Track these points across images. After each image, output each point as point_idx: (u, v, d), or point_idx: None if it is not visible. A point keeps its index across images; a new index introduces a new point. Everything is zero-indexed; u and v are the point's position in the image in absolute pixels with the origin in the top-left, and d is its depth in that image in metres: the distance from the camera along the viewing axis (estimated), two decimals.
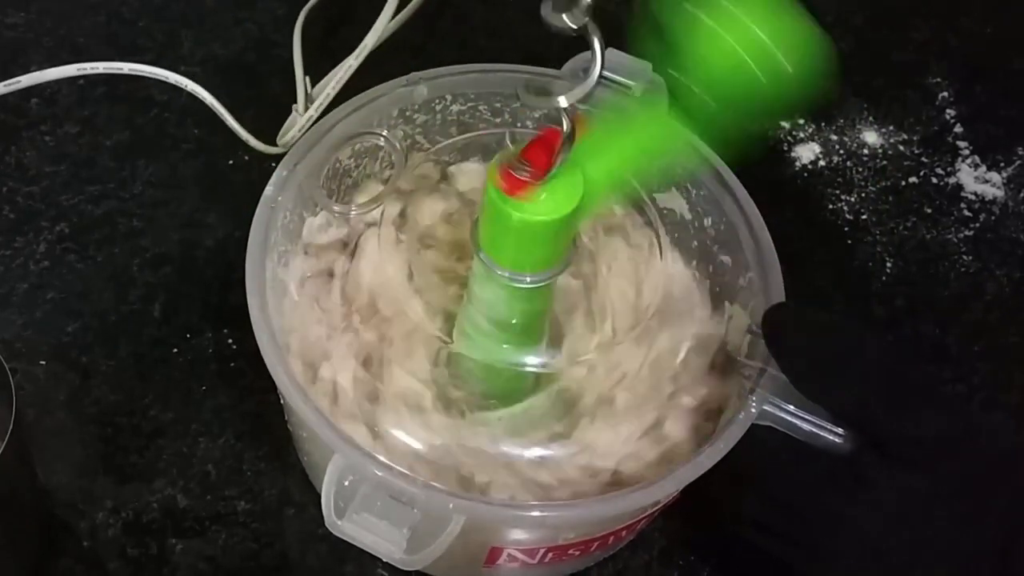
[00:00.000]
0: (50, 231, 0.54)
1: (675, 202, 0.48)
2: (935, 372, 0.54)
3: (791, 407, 0.39)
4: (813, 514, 0.39)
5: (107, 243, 0.54)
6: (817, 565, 0.40)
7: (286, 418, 0.46)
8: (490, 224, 0.38)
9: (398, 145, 0.44)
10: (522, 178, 0.35)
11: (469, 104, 0.48)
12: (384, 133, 0.44)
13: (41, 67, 0.54)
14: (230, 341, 0.51)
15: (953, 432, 0.38)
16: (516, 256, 0.38)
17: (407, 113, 0.47)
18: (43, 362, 0.50)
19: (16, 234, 0.53)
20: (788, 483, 0.40)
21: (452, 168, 0.50)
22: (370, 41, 0.53)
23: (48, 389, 0.49)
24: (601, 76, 0.45)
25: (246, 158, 0.57)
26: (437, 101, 0.47)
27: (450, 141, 0.47)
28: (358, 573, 0.46)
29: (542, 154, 0.35)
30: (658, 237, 0.46)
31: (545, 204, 0.37)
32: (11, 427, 0.38)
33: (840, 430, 0.39)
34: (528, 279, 0.39)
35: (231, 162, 0.57)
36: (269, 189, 0.43)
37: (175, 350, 0.51)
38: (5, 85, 0.49)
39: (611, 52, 0.48)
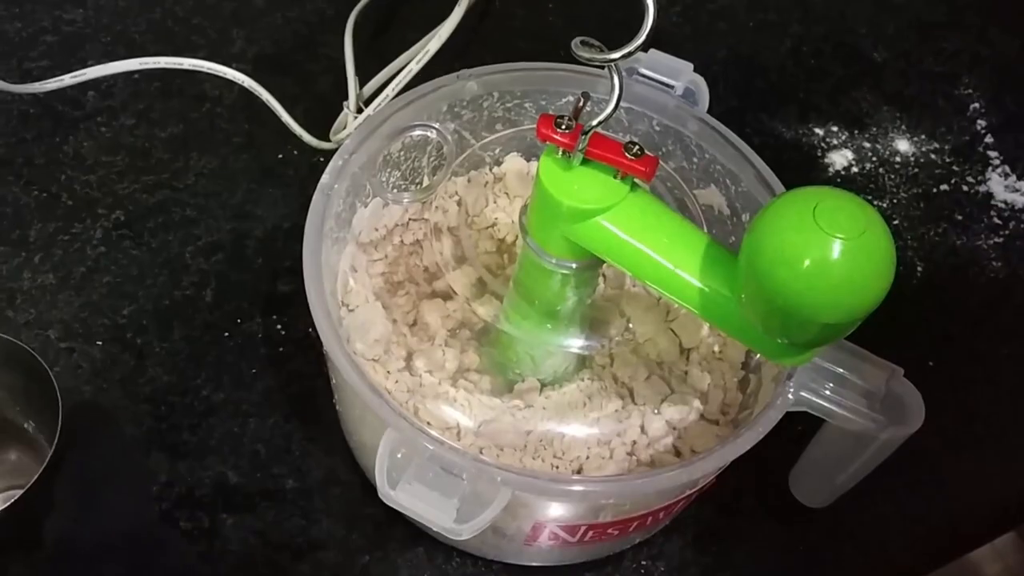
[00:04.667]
0: (106, 218, 0.56)
1: (714, 198, 0.49)
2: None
3: (827, 392, 0.40)
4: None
5: (161, 231, 0.56)
6: None
7: (334, 398, 0.47)
8: (539, 211, 0.40)
9: (449, 137, 0.45)
10: (560, 131, 0.37)
11: (515, 101, 0.50)
12: (436, 126, 0.46)
13: (99, 62, 0.56)
14: (279, 327, 0.53)
15: None
16: (563, 243, 0.40)
17: (455, 109, 0.48)
18: (100, 343, 0.52)
19: (74, 220, 0.55)
20: None
21: (497, 164, 0.51)
22: (433, 46, 0.55)
23: (104, 369, 0.51)
24: (644, 76, 0.48)
25: (295, 152, 0.59)
26: (484, 98, 0.49)
27: (495, 136, 0.49)
28: (401, 550, 0.47)
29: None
30: None
31: (592, 193, 0.38)
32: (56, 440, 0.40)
33: (877, 415, 0.40)
34: (574, 265, 0.41)
35: (280, 156, 0.59)
36: (325, 177, 0.44)
37: (226, 334, 0.53)
38: (72, 77, 0.51)
39: (654, 52, 0.50)
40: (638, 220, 0.38)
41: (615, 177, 0.38)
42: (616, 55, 0.36)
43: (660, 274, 0.38)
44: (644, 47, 0.36)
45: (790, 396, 0.40)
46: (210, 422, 0.50)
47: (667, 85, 0.49)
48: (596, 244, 0.39)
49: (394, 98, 0.46)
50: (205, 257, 0.55)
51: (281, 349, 0.52)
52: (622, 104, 0.49)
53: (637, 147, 0.37)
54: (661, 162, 0.48)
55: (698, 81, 0.50)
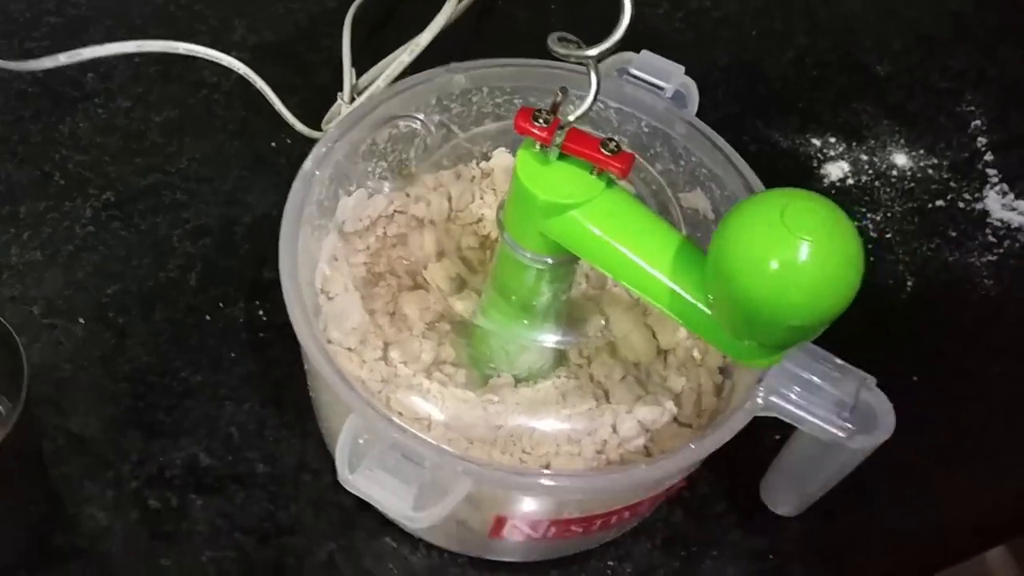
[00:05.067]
0: (97, 199, 0.56)
1: (699, 202, 0.49)
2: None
3: (797, 398, 0.40)
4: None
5: (151, 213, 0.56)
6: None
7: (308, 384, 0.47)
8: (515, 205, 0.40)
9: (433, 128, 0.46)
10: (537, 124, 0.37)
11: (505, 97, 0.50)
12: (420, 116, 0.46)
13: (101, 44, 0.57)
14: (261, 313, 0.53)
15: None
16: (539, 237, 0.40)
17: (444, 102, 0.48)
18: (82, 320, 0.52)
19: (65, 199, 0.56)
20: None
21: (485, 159, 0.51)
22: (424, 39, 0.55)
23: (85, 346, 0.51)
24: (634, 77, 0.48)
25: (288, 141, 0.59)
26: (474, 92, 0.49)
27: (482, 128, 0.49)
28: (368, 539, 0.47)
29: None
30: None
31: (569, 188, 0.38)
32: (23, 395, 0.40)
33: (846, 424, 0.40)
34: (549, 260, 0.41)
35: (273, 144, 0.59)
36: (308, 164, 0.45)
37: (208, 317, 0.53)
38: (68, 56, 0.52)
39: (645, 54, 0.50)
40: (612, 217, 0.38)
41: (591, 173, 0.38)
42: (593, 52, 0.36)
43: (631, 271, 0.38)
44: (619, 45, 0.36)
45: (759, 400, 0.40)
46: (186, 404, 0.50)
47: (657, 87, 0.49)
48: (569, 239, 0.39)
49: (384, 89, 0.46)
50: (192, 241, 0.55)
51: (262, 335, 0.52)
52: (612, 104, 0.50)
53: (614, 143, 0.37)
54: (647, 164, 0.49)
55: (689, 84, 0.50)
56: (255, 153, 0.59)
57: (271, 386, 0.51)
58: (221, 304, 0.53)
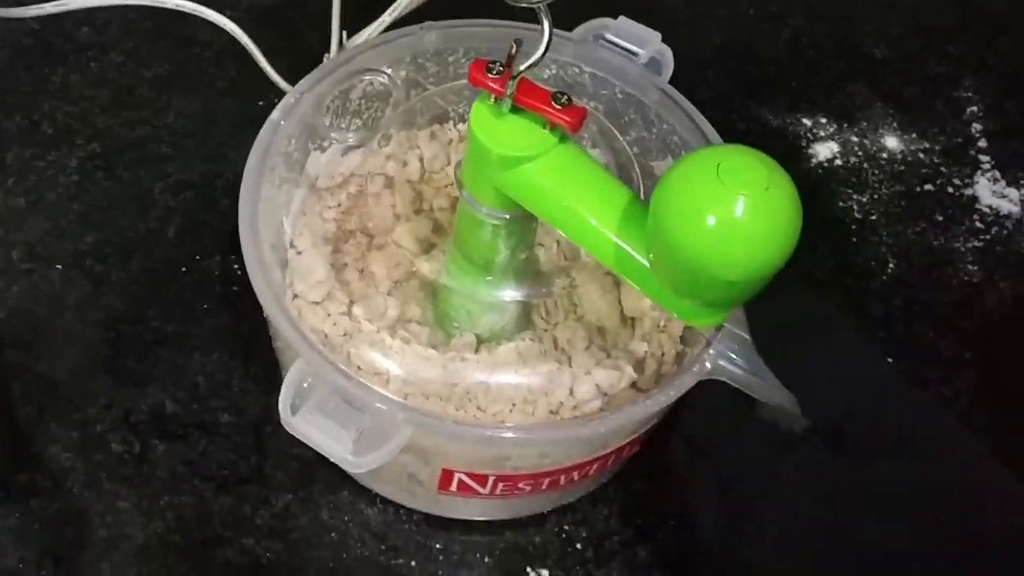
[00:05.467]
0: (83, 149, 0.57)
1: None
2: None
3: (745, 364, 0.40)
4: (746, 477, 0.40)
5: (134, 165, 0.57)
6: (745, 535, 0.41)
7: (271, 335, 0.48)
8: (472, 161, 0.40)
9: (400, 83, 0.46)
10: (491, 76, 0.37)
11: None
12: (387, 71, 0.46)
13: None
14: (236, 267, 0.54)
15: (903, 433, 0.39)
16: (494, 192, 0.40)
17: (419, 60, 0.49)
18: (59, 267, 0.53)
19: (52, 148, 0.57)
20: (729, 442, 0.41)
21: (462, 121, 0.52)
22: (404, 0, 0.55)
23: (61, 292, 0.52)
24: (609, 42, 0.47)
25: (276, 101, 0.59)
26: (449, 52, 0.49)
27: (453, 84, 0.49)
28: (325, 492, 0.48)
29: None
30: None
31: (522, 141, 0.38)
32: None
33: (793, 396, 0.39)
34: (507, 216, 0.41)
35: (261, 103, 0.60)
36: (275, 114, 0.45)
37: (183, 269, 0.53)
38: (54, 6, 0.52)
39: (622, 20, 0.50)
40: (562, 171, 0.38)
41: (544, 128, 0.38)
42: None
43: (578, 226, 0.38)
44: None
45: (707, 364, 0.40)
46: (157, 352, 0.51)
47: (633, 53, 0.49)
48: (521, 193, 0.39)
49: (357, 45, 0.47)
50: (174, 194, 0.56)
51: (235, 288, 0.53)
52: (587, 69, 0.50)
53: (565, 97, 0.37)
54: (617, 132, 0.48)
55: (664, 51, 0.50)
56: (243, 112, 0.60)
57: (240, 340, 0.51)
58: (198, 257, 0.54)
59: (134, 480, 0.47)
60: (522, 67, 0.36)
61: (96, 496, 0.46)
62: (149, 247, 0.54)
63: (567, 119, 0.37)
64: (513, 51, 0.37)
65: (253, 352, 0.51)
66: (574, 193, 0.38)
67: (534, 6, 0.35)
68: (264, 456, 0.48)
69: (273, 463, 0.48)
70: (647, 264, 0.37)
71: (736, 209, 0.32)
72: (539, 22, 0.36)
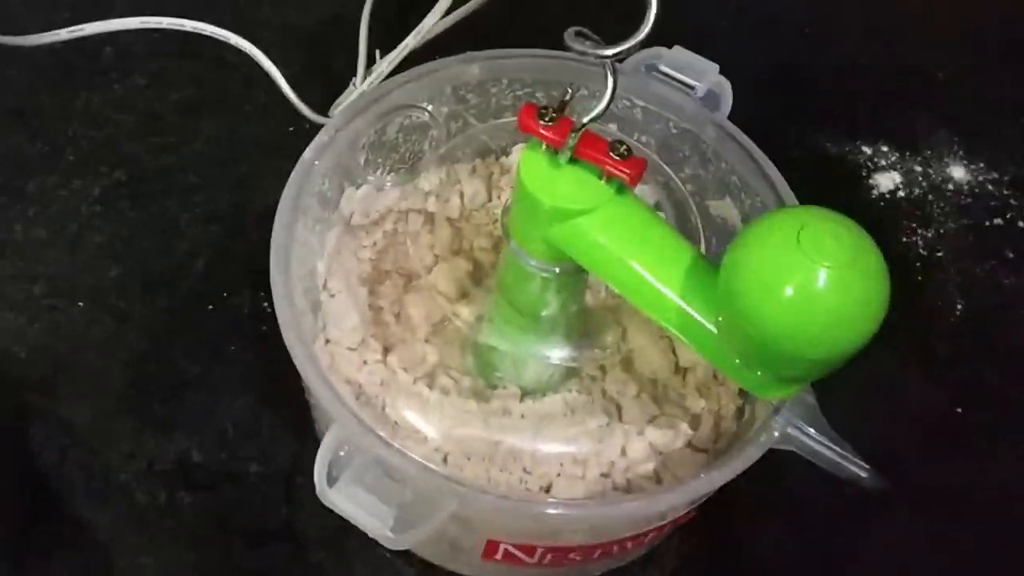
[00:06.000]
0: (107, 177, 0.54)
1: (728, 211, 0.46)
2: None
3: (815, 433, 0.37)
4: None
5: (161, 195, 0.54)
6: None
7: (302, 385, 0.45)
8: (521, 212, 0.37)
9: (441, 120, 0.43)
10: (543, 123, 0.34)
11: (526, 89, 0.47)
12: (428, 107, 0.43)
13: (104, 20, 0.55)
14: (265, 305, 0.51)
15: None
16: (544, 245, 0.37)
17: (460, 92, 0.46)
18: (81, 303, 0.50)
19: (74, 176, 0.54)
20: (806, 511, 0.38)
21: (505, 154, 0.49)
22: (429, 21, 0.52)
23: (83, 330, 0.50)
24: (663, 74, 0.45)
25: (306, 127, 0.57)
26: (492, 84, 0.46)
27: (500, 122, 0.46)
28: (360, 549, 0.45)
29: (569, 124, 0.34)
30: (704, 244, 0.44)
31: (576, 193, 0.35)
32: None
33: (864, 463, 0.36)
34: (556, 269, 0.38)
35: (291, 129, 0.57)
36: (307, 153, 0.42)
37: (211, 307, 0.51)
38: (68, 32, 0.50)
39: (677, 50, 0.47)
40: (620, 226, 0.35)
41: (599, 177, 0.35)
42: (610, 52, 0.33)
43: (637, 285, 0.35)
44: (642, 45, 0.33)
45: (775, 433, 0.37)
46: (182, 395, 0.48)
47: (688, 86, 0.46)
48: (574, 248, 0.36)
49: (388, 76, 0.44)
50: (202, 226, 0.53)
51: (265, 328, 0.50)
52: (638, 103, 0.47)
53: (624, 147, 0.34)
54: (671, 172, 0.45)
55: (723, 83, 0.46)
56: (271, 138, 0.57)
57: (270, 383, 0.49)
58: (226, 293, 0.51)
59: (158, 534, 0.45)
60: (585, 119, 0.33)
61: (119, 551, 0.44)
62: (175, 282, 0.52)
63: (627, 171, 0.34)
64: (568, 97, 0.35)
65: (283, 397, 0.48)
66: (633, 249, 0.35)
67: (601, 63, 0.32)
68: (295, 509, 0.46)
69: (305, 517, 0.46)
70: (714, 330, 0.34)
71: (818, 282, 0.29)
72: (604, 78, 0.33)
